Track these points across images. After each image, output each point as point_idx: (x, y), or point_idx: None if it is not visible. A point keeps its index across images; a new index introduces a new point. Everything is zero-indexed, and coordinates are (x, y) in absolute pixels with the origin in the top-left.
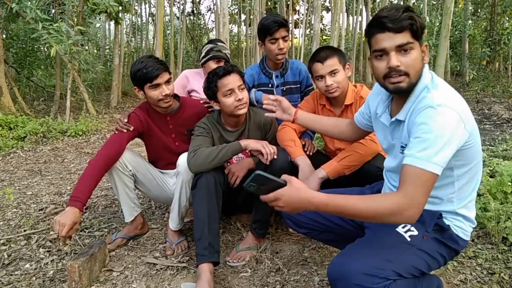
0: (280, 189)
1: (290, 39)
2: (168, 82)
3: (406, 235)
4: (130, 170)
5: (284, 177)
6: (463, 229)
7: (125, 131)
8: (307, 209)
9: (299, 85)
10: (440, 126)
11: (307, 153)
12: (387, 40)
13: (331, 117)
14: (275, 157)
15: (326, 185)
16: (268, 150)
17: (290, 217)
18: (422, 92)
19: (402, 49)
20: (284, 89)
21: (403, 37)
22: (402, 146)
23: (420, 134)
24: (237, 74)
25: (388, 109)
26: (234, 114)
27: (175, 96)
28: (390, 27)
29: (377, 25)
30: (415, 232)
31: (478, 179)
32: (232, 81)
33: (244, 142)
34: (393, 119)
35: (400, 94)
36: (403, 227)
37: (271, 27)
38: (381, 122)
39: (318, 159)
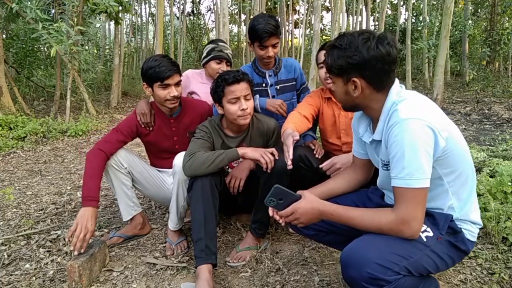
0: (296, 202)
1: (290, 39)
2: (177, 84)
3: (423, 235)
4: (126, 168)
5: (300, 192)
6: (471, 231)
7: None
8: (319, 218)
9: (294, 82)
10: (411, 140)
11: (316, 156)
12: None
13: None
14: (277, 157)
15: None
16: (267, 158)
17: None
18: (391, 109)
19: None
20: (278, 87)
21: None
22: (384, 164)
23: (395, 153)
24: (246, 83)
25: (369, 128)
26: (236, 122)
27: None
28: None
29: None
30: (431, 234)
31: (472, 180)
32: (239, 89)
33: (241, 151)
34: (370, 138)
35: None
36: None
37: (262, 36)
38: (364, 142)
39: (323, 161)
